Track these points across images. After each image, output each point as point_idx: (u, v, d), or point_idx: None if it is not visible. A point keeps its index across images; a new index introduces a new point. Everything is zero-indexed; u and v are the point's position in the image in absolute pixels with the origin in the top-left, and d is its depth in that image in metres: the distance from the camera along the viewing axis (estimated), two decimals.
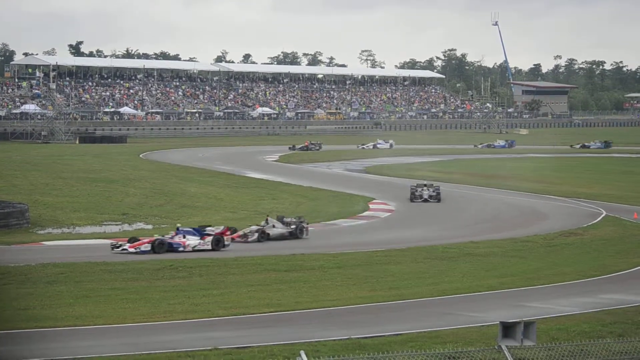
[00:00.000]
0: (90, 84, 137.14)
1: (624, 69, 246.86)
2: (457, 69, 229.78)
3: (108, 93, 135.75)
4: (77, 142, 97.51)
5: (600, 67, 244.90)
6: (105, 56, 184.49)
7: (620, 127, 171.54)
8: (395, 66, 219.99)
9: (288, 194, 53.91)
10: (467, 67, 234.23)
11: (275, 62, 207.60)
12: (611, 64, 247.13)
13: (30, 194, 49.25)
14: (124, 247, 31.98)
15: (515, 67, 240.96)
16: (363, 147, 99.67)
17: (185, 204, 48.23)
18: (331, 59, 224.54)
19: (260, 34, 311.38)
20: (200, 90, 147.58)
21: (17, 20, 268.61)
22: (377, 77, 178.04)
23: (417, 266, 30.86)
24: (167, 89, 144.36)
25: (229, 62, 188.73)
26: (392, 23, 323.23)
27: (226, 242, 33.79)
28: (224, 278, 27.73)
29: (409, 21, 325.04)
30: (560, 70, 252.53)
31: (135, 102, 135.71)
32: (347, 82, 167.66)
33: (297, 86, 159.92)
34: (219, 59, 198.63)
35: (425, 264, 31.27)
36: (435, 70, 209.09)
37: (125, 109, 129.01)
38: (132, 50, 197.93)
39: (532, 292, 26.62)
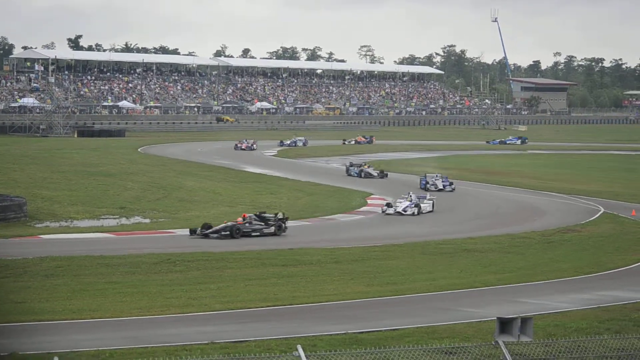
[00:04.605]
0: (89, 77, 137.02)
1: (623, 66, 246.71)
2: (456, 65, 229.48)
3: (107, 87, 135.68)
4: (76, 135, 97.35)
5: (600, 64, 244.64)
6: (104, 50, 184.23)
7: (619, 124, 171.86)
8: (395, 62, 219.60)
9: (286, 188, 53.85)
10: (466, 64, 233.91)
11: (275, 57, 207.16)
12: (610, 62, 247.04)
13: (29, 187, 49.17)
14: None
15: (514, 64, 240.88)
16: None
17: (183, 198, 48.18)
18: (330, 54, 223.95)
19: (260, 28, 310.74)
20: (199, 84, 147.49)
21: (17, 14, 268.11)
22: (376, 72, 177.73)
23: (414, 261, 30.88)
24: (166, 83, 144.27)
25: (228, 56, 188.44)
26: (392, 18, 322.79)
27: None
28: (221, 272, 27.75)
29: (408, 17, 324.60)
30: (560, 67, 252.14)
31: (134, 96, 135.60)
32: (346, 77, 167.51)
33: (296, 81, 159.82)
34: (218, 54, 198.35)
35: (423, 260, 31.29)
36: (434, 66, 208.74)
37: (123, 103, 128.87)
38: (131, 45, 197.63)
39: (529, 288, 26.68)
